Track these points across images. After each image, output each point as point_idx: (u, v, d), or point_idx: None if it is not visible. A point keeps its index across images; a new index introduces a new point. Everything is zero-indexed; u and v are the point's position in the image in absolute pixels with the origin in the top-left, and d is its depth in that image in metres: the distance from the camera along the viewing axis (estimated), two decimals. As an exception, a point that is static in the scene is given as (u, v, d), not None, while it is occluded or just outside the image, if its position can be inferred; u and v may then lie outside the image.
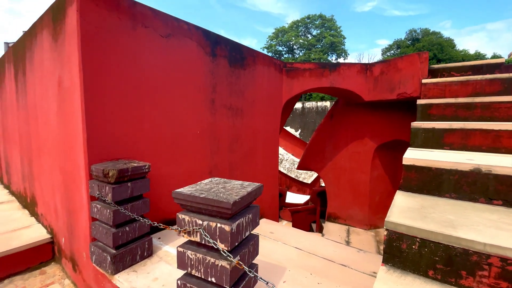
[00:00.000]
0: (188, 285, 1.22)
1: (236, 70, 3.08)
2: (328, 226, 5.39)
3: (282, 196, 7.82)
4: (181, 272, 1.39)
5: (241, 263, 1.12)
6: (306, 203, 8.67)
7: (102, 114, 1.92)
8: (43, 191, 2.85)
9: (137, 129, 2.15)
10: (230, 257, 1.11)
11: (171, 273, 1.78)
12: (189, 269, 1.22)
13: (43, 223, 2.97)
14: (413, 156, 1.88)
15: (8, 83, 3.72)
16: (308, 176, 13.67)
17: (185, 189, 1.26)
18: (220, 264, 1.15)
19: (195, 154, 2.68)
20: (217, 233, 1.16)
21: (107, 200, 1.67)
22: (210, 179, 1.48)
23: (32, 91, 2.80)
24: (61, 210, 2.41)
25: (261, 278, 1.13)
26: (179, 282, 1.26)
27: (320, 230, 6.21)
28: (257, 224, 1.37)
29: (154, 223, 1.63)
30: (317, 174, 8.58)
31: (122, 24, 2.03)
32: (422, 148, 2.32)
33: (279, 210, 7.77)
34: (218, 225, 1.16)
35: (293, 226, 6.72)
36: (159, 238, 2.27)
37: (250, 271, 1.14)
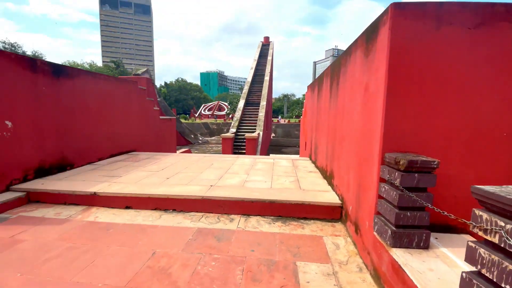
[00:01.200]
0: (474, 281, 1.20)
1: None
2: None
3: None
4: (457, 274, 1.36)
5: None
6: None
7: (398, 113, 2.27)
8: (340, 169, 3.92)
9: (428, 126, 2.26)
10: (547, 276, 0.93)
11: (448, 272, 1.76)
12: (479, 267, 1.19)
13: (336, 192, 4.11)
14: None
15: (324, 91, 5.42)
16: None
17: (486, 187, 1.21)
18: (527, 279, 1.00)
19: (497, 159, 2.21)
20: (528, 245, 1.02)
21: (395, 184, 2.01)
22: (523, 187, 1.25)
23: (342, 96, 3.90)
24: (352, 185, 3.22)
25: None
26: (464, 275, 1.27)
27: None
28: None
29: (437, 209, 1.71)
30: None
31: (426, 28, 2.20)
32: None
33: None
34: (532, 236, 1.01)
35: None
36: (436, 238, 2.25)
37: None
